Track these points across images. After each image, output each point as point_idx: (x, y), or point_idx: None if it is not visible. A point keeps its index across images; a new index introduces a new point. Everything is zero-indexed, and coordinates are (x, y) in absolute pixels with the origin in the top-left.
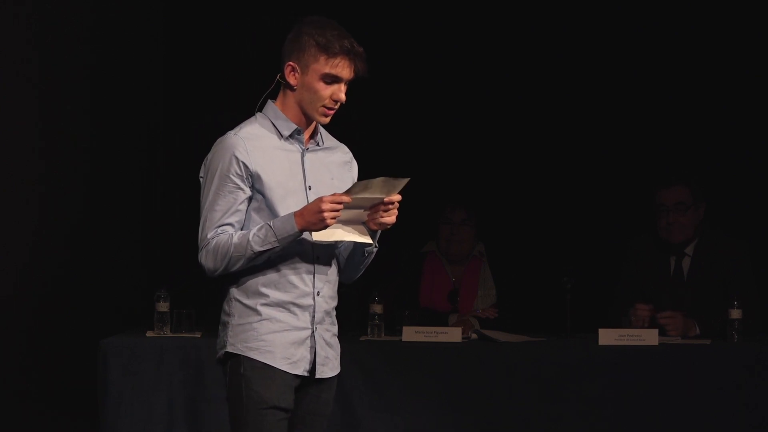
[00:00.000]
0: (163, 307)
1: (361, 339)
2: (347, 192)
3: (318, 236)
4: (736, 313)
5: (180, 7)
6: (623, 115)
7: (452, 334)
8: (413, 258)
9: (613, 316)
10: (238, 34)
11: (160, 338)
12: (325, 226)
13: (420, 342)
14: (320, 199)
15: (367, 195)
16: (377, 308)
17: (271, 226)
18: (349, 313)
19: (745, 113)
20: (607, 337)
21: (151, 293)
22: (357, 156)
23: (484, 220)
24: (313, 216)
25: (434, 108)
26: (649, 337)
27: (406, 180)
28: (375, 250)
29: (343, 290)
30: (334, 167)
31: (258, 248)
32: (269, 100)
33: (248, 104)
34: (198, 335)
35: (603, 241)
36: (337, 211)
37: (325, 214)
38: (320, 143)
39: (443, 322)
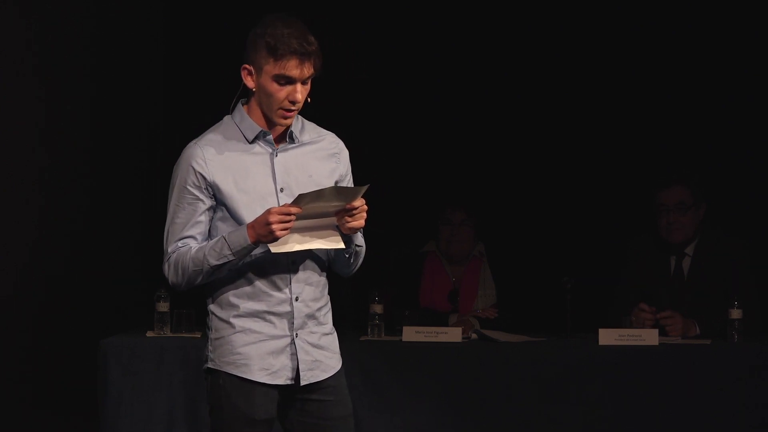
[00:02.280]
0: (163, 307)
1: (361, 339)
2: (295, 203)
3: (275, 248)
4: (736, 313)
5: (180, 7)
6: (623, 115)
7: (452, 334)
8: (413, 258)
9: (613, 316)
10: (238, 34)
11: (160, 338)
12: (276, 238)
13: (420, 342)
14: (268, 211)
15: (322, 203)
16: (377, 308)
17: (225, 239)
18: (343, 312)
19: (745, 113)
20: (607, 337)
21: (151, 293)
22: (356, 157)
23: (484, 220)
24: (263, 228)
25: (433, 108)
26: (649, 337)
27: (364, 188)
28: (360, 249)
29: (336, 290)
30: (314, 163)
31: (214, 262)
32: (240, 103)
33: None
34: (198, 335)
35: (603, 241)
36: (288, 222)
37: (274, 227)
38: (296, 139)
39: (443, 322)
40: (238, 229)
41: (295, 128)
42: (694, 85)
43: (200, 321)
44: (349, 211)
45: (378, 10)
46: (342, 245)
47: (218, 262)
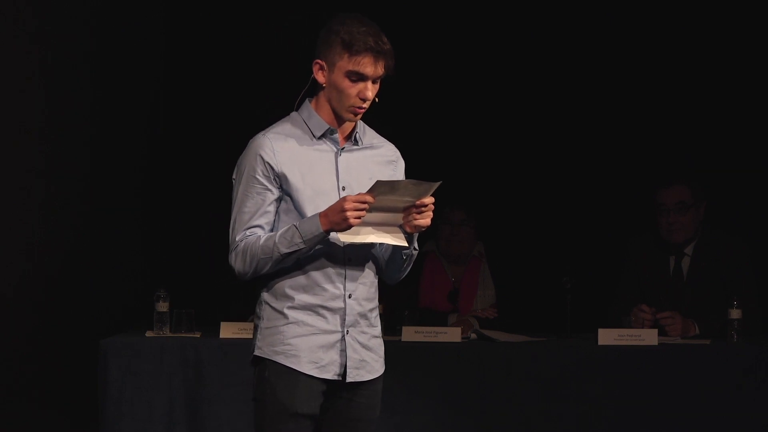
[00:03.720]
0: (162, 307)
1: None
2: (370, 191)
3: (346, 237)
4: (736, 313)
5: (180, 7)
6: (623, 115)
7: (452, 334)
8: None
9: (613, 316)
10: (239, 34)
11: (160, 338)
12: (349, 226)
13: (420, 342)
14: (344, 199)
15: (394, 197)
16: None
17: (296, 227)
18: None
19: (744, 113)
20: (607, 337)
21: (151, 293)
22: None
23: (483, 220)
24: (337, 216)
25: (433, 108)
26: (649, 337)
27: (437, 183)
28: (415, 252)
29: None
30: (374, 166)
31: (285, 250)
32: (306, 99)
33: (248, 105)
34: (198, 335)
35: (603, 241)
36: (362, 210)
37: (348, 214)
38: (359, 142)
39: (443, 322)
40: (310, 218)
41: (359, 130)
42: (695, 85)
43: (200, 321)
44: (419, 208)
45: (376, 10)
46: (405, 243)
47: (288, 250)
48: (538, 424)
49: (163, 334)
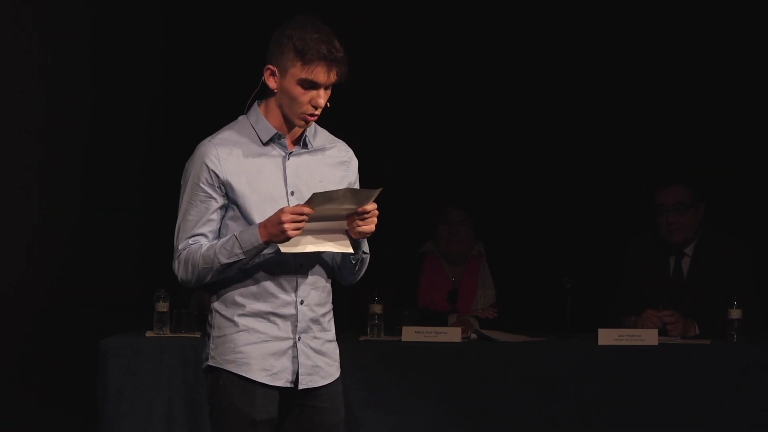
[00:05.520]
0: (162, 307)
1: (360, 339)
2: (308, 203)
3: (286, 248)
4: (735, 313)
5: (180, 7)
6: (623, 115)
7: (452, 334)
8: (412, 258)
9: (613, 316)
10: (238, 34)
11: (160, 338)
12: (288, 238)
13: (419, 342)
14: (281, 211)
15: (334, 206)
16: (377, 308)
17: (237, 238)
18: (342, 313)
19: (744, 113)
20: (607, 337)
21: (151, 293)
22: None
23: (483, 220)
24: (275, 227)
25: (432, 108)
26: (649, 337)
27: (378, 191)
28: (365, 257)
29: (337, 290)
30: (326, 169)
31: (224, 260)
32: (256, 103)
33: (248, 105)
34: (197, 335)
35: (603, 241)
36: (300, 222)
37: (285, 226)
38: (309, 145)
39: (443, 322)
40: (250, 228)
41: (309, 134)
42: (694, 85)
43: (200, 321)
44: (361, 215)
45: (377, 8)
46: (351, 249)
47: (228, 261)
48: (538, 424)
49: (163, 334)
